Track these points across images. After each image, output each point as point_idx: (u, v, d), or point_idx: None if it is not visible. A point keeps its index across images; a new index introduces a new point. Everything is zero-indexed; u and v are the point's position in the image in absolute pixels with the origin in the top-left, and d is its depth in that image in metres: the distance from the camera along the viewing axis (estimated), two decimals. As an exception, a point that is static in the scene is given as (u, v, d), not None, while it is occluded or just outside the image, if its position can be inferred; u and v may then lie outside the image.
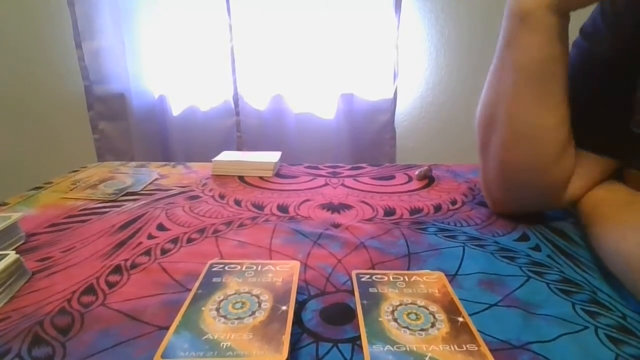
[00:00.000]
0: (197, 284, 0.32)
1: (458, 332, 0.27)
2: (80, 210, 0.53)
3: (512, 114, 0.43)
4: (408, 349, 0.26)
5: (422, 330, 0.28)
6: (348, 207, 0.54)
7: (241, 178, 0.66)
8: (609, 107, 0.43)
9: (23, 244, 0.44)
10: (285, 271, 0.34)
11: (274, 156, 0.71)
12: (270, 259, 0.41)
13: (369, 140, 1.40)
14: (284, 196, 0.58)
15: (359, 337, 0.28)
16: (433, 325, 0.28)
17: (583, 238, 0.44)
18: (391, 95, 1.35)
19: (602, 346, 0.28)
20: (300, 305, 0.33)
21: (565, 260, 0.40)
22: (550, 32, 0.40)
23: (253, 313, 0.29)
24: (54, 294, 0.35)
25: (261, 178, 0.66)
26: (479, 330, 0.28)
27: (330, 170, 0.70)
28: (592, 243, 0.40)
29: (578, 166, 0.45)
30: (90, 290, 0.35)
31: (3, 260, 0.35)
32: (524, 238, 0.44)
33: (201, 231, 0.47)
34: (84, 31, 1.33)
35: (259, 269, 0.34)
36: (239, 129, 1.43)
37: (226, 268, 0.34)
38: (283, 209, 0.53)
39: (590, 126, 0.44)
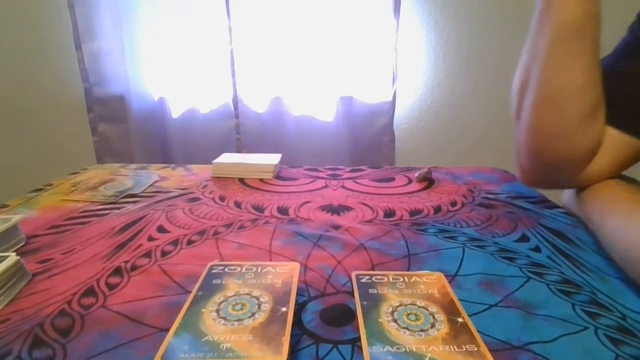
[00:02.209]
0: (197, 286, 0.32)
1: (458, 333, 0.27)
2: (81, 212, 0.53)
3: (543, 75, 0.45)
4: (408, 349, 0.26)
5: (421, 330, 0.28)
6: (348, 208, 0.54)
7: (241, 180, 0.66)
8: None
9: (23, 245, 0.44)
10: (285, 273, 0.34)
11: (274, 158, 0.71)
12: (270, 260, 0.41)
13: (368, 143, 1.40)
14: (284, 198, 0.58)
15: (358, 338, 0.28)
16: (433, 325, 0.28)
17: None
18: (390, 98, 1.35)
19: (602, 346, 0.28)
20: (300, 307, 0.33)
21: (565, 261, 0.40)
22: None
23: (253, 314, 0.29)
24: (55, 296, 0.35)
25: (261, 180, 0.66)
26: (478, 331, 0.28)
27: (330, 172, 0.70)
28: (602, 232, 0.41)
29: (606, 144, 0.46)
30: (90, 292, 0.35)
31: (4, 262, 0.35)
32: (523, 239, 0.44)
33: (201, 233, 0.47)
34: (84, 33, 1.34)
35: (259, 270, 0.34)
36: (239, 131, 1.44)
37: (226, 270, 0.34)
38: (283, 210, 0.53)
39: (629, 106, 0.45)
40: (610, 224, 0.40)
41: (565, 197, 0.54)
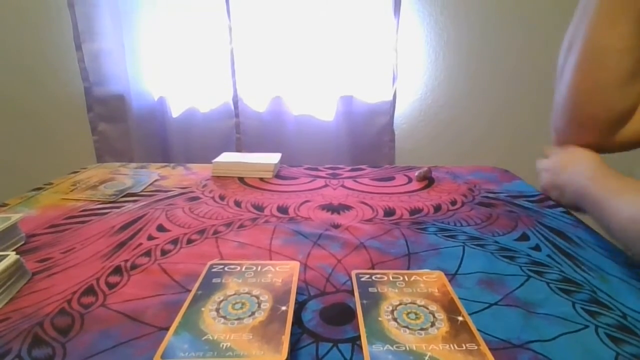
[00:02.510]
0: (197, 285, 0.32)
1: (458, 332, 0.27)
2: (81, 211, 0.53)
3: (587, 35, 0.47)
4: (408, 348, 0.26)
5: (421, 329, 0.28)
6: (348, 207, 0.54)
7: (241, 179, 0.66)
8: None
9: (23, 244, 0.44)
10: (285, 272, 0.34)
11: (274, 158, 0.71)
12: (270, 259, 0.41)
13: (368, 143, 1.40)
14: (284, 197, 0.58)
15: (358, 337, 0.28)
16: (433, 324, 0.28)
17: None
18: (390, 98, 1.35)
19: (602, 345, 0.28)
20: (300, 306, 0.33)
21: (565, 260, 0.40)
22: None
23: (253, 313, 0.29)
24: (54, 295, 0.35)
25: (261, 179, 0.66)
26: (478, 330, 0.28)
27: (330, 171, 0.70)
28: (616, 206, 0.38)
29: None
30: (90, 291, 0.35)
31: (3, 261, 0.35)
32: (524, 238, 0.44)
33: (201, 232, 0.47)
34: (84, 33, 1.34)
35: (259, 269, 0.34)
36: (239, 130, 1.44)
37: (226, 269, 0.34)
38: (283, 210, 0.53)
39: None
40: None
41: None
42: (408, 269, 0.38)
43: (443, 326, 0.28)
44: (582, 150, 0.51)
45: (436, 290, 0.32)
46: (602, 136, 0.50)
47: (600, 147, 0.52)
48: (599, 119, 0.49)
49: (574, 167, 0.49)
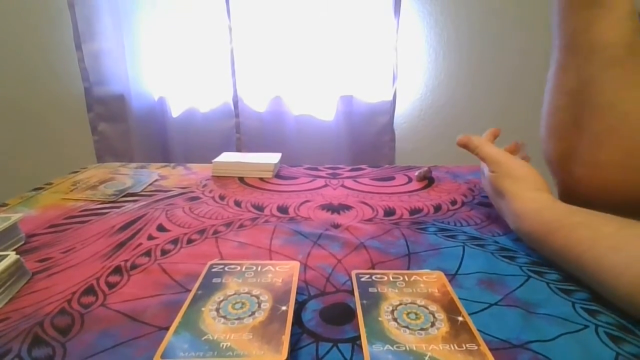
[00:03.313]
0: (197, 285, 0.32)
1: (458, 332, 0.27)
2: (81, 211, 0.53)
3: (602, 106, 0.40)
4: (408, 348, 0.26)
5: (421, 329, 0.27)
6: (348, 207, 0.54)
7: (241, 179, 0.66)
8: None
9: (23, 244, 0.44)
10: (285, 271, 0.34)
11: (274, 157, 0.71)
12: (270, 259, 0.41)
13: (368, 142, 1.40)
14: (284, 197, 0.58)
15: (358, 337, 0.28)
16: (433, 324, 0.28)
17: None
18: (390, 98, 1.35)
19: (602, 345, 0.28)
20: (300, 306, 0.33)
21: (564, 260, 0.40)
22: (627, 5, 0.38)
23: (253, 313, 0.29)
24: (54, 295, 0.35)
25: (261, 179, 0.66)
26: (478, 330, 0.28)
27: (330, 171, 0.70)
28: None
29: None
30: (90, 290, 0.35)
31: (3, 261, 0.35)
32: (523, 238, 0.44)
33: (201, 232, 0.47)
34: (84, 33, 1.34)
35: (259, 269, 0.34)
36: (239, 130, 1.44)
37: (226, 269, 0.34)
38: (283, 209, 0.53)
39: None
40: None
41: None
42: (408, 269, 0.38)
43: (443, 326, 0.28)
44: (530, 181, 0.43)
45: (436, 291, 0.32)
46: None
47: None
48: (636, 190, 0.41)
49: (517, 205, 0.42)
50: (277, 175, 0.69)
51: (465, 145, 0.51)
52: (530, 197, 0.42)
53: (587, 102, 0.42)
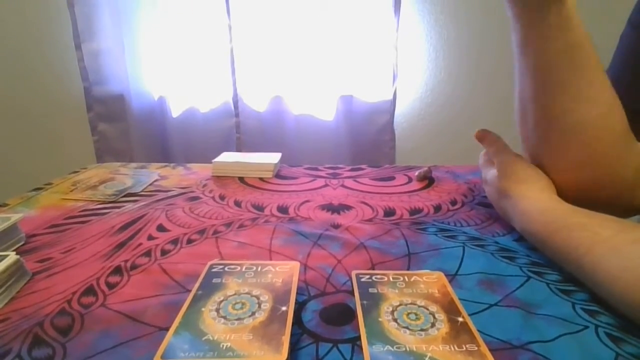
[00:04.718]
0: (197, 285, 0.32)
1: (458, 332, 0.27)
2: (81, 211, 0.53)
3: (555, 119, 0.41)
4: (408, 349, 0.26)
5: (422, 330, 0.28)
6: (348, 207, 0.54)
7: (241, 179, 0.66)
8: None
9: (23, 245, 0.44)
10: (285, 272, 0.34)
11: (274, 157, 0.71)
12: (270, 259, 0.41)
13: (368, 142, 1.40)
14: (284, 197, 0.58)
15: (358, 338, 0.28)
16: (433, 325, 0.28)
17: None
18: (390, 97, 1.35)
19: (602, 345, 0.28)
20: (300, 306, 0.33)
21: (564, 260, 0.40)
22: (563, 19, 0.39)
23: (253, 314, 0.29)
24: (54, 295, 0.35)
25: (261, 179, 0.66)
26: (479, 330, 0.28)
27: (330, 171, 0.70)
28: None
29: None
30: (90, 291, 0.35)
31: (3, 261, 0.35)
32: (524, 238, 0.44)
33: (201, 232, 0.47)
34: (84, 32, 1.34)
35: (259, 269, 0.34)
36: (239, 130, 1.44)
37: (226, 269, 0.34)
38: (283, 209, 0.53)
39: None
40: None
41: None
42: (408, 269, 0.38)
43: (443, 327, 0.28)
44: (534, 176, 0.44)
45: (436, 291, 0.32)
46: (618, 204, 0.43)
47: (622, 213, 0.45)
48: (606, 189, 0.43)
49: (521, 205, 0.43)
50: (277, 175, 0.68)
51: (481, 139, 0.52)
52: (536, 197, 0.42)
53: (539, 113, 0.43)
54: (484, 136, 0.51)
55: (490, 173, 0.49)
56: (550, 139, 0.44)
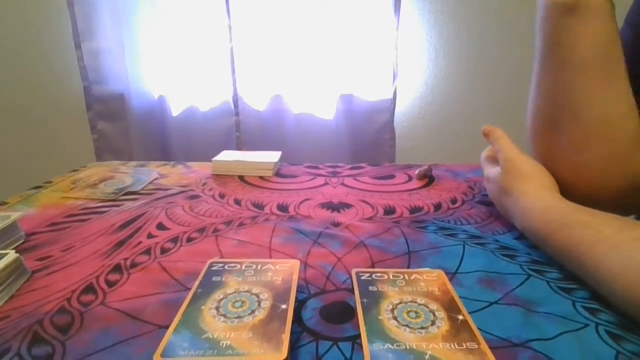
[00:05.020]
0: (196, 283, 0.32)
1: (458, 330, 0.27)
2: (80, 209, 0.53)
3: (580, 110, 0.41)
4: (408, 347, 0.26)
5: (422, 328, 0.27)
6: (348, 206, 0.54)
7: (241, 177, 0.66)
8: None
9: (23, 243, 0.44)
10: (285, 270, 0.34)
11: (274, 156, 0.71)
12: (270, 257, 0.41)
13: (368, 141, 1.40)
14: (284, 195, 0.58)
15: (358, 336, 0.28)
16: (433, 323, 0.28)
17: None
18: (390, 96, 1.35)
19: (602, 343, 0.28)
20: (300, 304, 0.33)
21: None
22: (602, 15, 0.39)
23: (253, 312, 0.29)
24: (54, 293, 0.35)
25: (261, 177, 0.66)
26: (479, 328, 0.28)
27: (330, 169, 0.70)
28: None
29: None
30: (89, 289, 0.35)
31: (3, 260, 0.35)
32: (524, 236, 0.44)
33: (201, 230, 0.46)
34: (84, 31, 1.34)
35: (259, 267, 0.34)
36: (239, 129, 1.44)
37: (226, 267, 0.34)
38: (283, 208, 0.53)
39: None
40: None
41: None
42: (408, 267, 0.38)
43: (443, 325, 0.28)
44: (537, 173, 0.44)
45: (436, 289, 0.32)
46: (629, 203, 0.44)
47: (631, 211, 0.46)
48: (626, 192, 0.43)
49: (523, 205, 0.43)
50: (277, 174, 0.68)
51: (488, 134, 0.52)
52: (538, 195, 0.42)
53: (564, 107, 0.43)
54: (490, 131, 0.51)
55: (493, 170, 0.49)
56: (573, 133, 0.43)
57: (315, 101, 1.39)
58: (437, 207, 0.53)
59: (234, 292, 0.31)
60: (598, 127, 0.42)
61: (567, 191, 0.43)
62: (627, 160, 0.42)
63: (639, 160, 0.42)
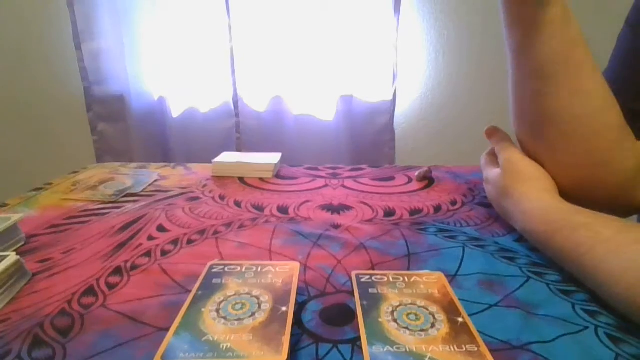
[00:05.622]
0: (197, 285, 0.32)
1: (458, 333, 0.27)
2: (81, 211, 0.53)
3: (551, 115, 0.42)
4: (408, 349, 0.26)
5: (421, 330, 0.28)
6: (348, 208, 0.54)
7: (241, 179, 0.66)
8: None
9: (23, 245, 0.44)
10: (285, 272, 0.34)
11: (274, 157, 0.71)
12: (270, 260, 0.41)
13: (368, 142, 1.40)
14: (284, 197, 0.58)
15: (358, 338, 0.28)
16: (433, 325, 0.28)
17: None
18: (390, 97, 1.35)
19: (602, 346, 0.28)
20: (300, 306, 0.33)
21: (564, 260, 0.40)
22: (556, 23, 0.39)
23: (253, 314, 0.29)
24: (54, 295, 0.35)
25: (261, 179, 0.66)
26: (478, 331, 0.28)
27: (330, 171, 0.70)
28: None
29: None
30: (90, 291, 0.35)
31: (3, 262, 0.35)
32: (524, 239, 0.44)
33: (201, 232, 0.47)
34: (84, 32, 1.34)
35: (259, 270, 0.34)
36: (239, 130, 1.44)
37: (226, 269, 0.34)
38: (283, 210, 0.53)
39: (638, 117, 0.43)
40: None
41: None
42: (408, 269, 0.38)
43: (443, 327, 0.28)
44: (534, 172, 0.45)
45: (436, 292, 0.32)
46: (616, 203, 0.44)
47: (622, 212, 0.45)
48: (605, 186, 0.43)
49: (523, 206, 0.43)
50: (277, 175, 0.69)
51: (490, 135, 0.52)
52: (538, 197, 0.42)
53: (537, 112, 0.43)
54: (492, 133, 0.52)
55: (493, 172, 0.49)
56: (549, 136, 0.44)
57: (315, 102, 1.39)
58: (437, 209, 0.53)
59: (234, 295, 0.31)
60: (573, 127, 0.42)
61: (563, 192, 0.43)
62: (611, 154, 0.42)
63: (628, 149, 0.43)
